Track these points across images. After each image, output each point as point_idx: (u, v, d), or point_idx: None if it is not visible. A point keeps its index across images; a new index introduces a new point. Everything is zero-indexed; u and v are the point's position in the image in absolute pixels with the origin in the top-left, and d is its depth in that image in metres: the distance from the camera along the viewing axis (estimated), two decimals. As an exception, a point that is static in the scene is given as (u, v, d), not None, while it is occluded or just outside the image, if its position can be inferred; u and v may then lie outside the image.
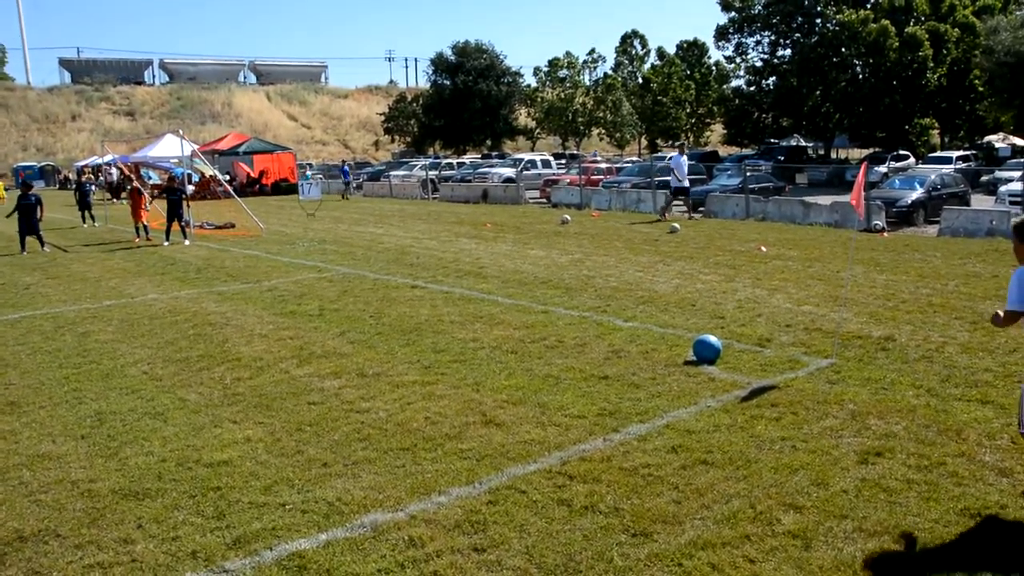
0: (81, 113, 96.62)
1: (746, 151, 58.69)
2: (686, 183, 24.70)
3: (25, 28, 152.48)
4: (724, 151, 61.70)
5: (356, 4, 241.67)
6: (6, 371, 9.10)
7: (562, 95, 74.62)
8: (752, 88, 58.88)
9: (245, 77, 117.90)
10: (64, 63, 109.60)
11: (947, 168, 31.28)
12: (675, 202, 26.81)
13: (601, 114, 72.65)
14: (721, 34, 58.12)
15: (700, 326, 9.86)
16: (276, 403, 7.46)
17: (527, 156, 47.66)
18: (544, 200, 34.19)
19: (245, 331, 10.53)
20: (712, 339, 8.47)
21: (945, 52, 47.24)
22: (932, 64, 46.64)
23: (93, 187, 37.19)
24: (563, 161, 49.88)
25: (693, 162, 28.73)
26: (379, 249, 18.93)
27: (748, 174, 26.94)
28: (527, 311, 11.11)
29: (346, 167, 46.42)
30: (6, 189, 23.01)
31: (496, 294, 12.45)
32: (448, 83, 76.36)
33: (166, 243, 21.73)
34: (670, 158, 28.07)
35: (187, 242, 21.80)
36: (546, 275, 14.19)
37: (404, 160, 60.50)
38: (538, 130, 79.61)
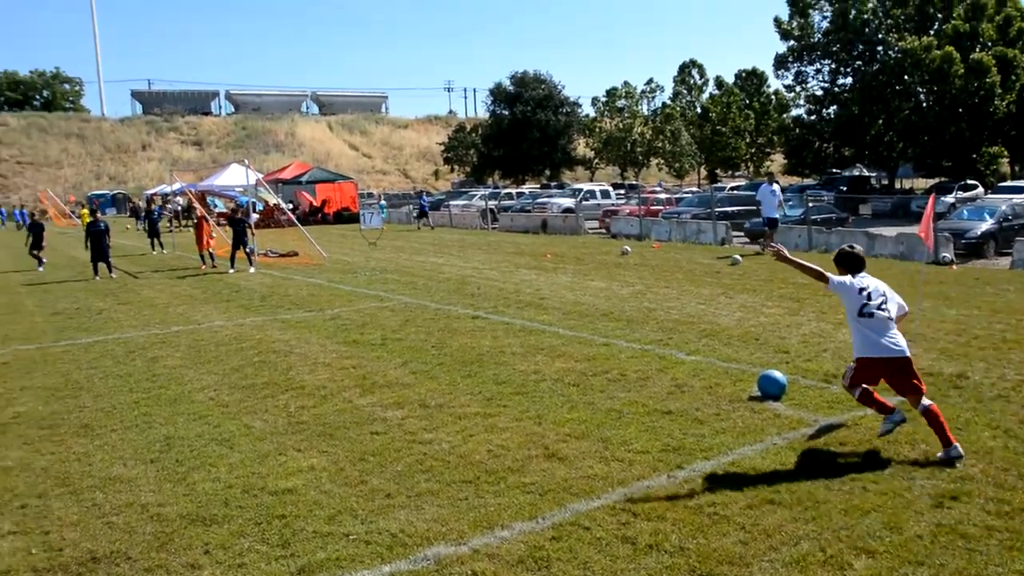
0: (151, 143, 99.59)
1: (807, 181, 57.95)
2: (774, 214, 23.19)
3: (101, 62, 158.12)
4: (785, 181, 60.97)
5: (416, 36, 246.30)
6: (80, 394, 9.36)
7: (620, 125, 74.69)
8: (813, 117, 58.21)
9: (308, 107, 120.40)
10: (136, 95, 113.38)
11: (1018, 198, 30.43)
12: (732, 232, 26.59)
13: (660, 144, 72.50)
14: (780, 63, 57.61)
15: (764, 361, 9.71)
16: (340, 432, 7.53)
17: (586, 186, 47.71)
18: (603, 231, 34.15)
19: (309, 359, 10.67)
20: (777, 374, 8.34)
21: (1014, 78, 46.11)
22: (1000, 91, 45.53)
23: (162, 214, 38.27)
24: (622, 191, 49.81)
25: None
26: (440, 279, 19.06)
27: (810, 205, 26.56)
28: (588, 343, 11.06)
29: (424, 197, 46.62)
30: (92, 212, 23.92)
31: (557, 326, 12.43)
32: (507, 113, 76.96)
33: (231, 271, 22.18)
34: (729, 186, 27.66)
35: (252, 270, 22.24)
36: (607, 307, 14.13)
37: (463, 190, 61.02)
38: (597, 160, 79.70)
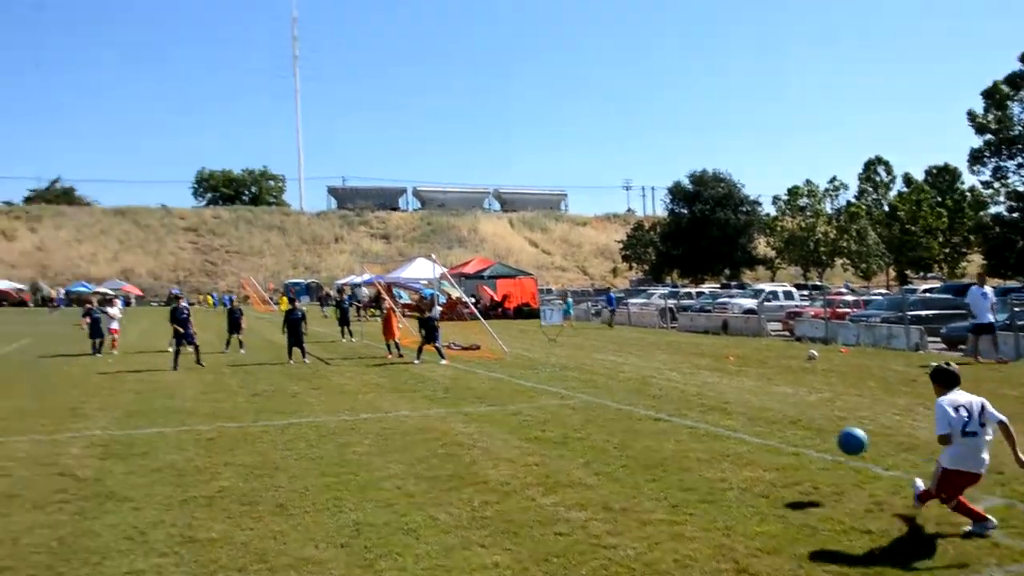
0: (343, 236, 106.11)
1: (1011, 283, 54.15)
2: (987, 319, 21.31)
3: (303, 160, 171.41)
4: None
5: (595, 135, 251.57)
6: (276, 474, 9.84)
7: (803, 224, 72.93)
8: (1015, 215, 54.59)
9: (490, 204, 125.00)
10: (331, 191, 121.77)
11: None
12: (927, 338, 24.99)
13: (845, 243, 70.06)
14: (976, 158, 54.77)
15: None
16: (523, 530, 7.49)
17: (768, 286, 46.54)
18: (787, 333, 33.07)
19: (491, 454, 10.78)
20: (859, 432, 8.65)
21: None
22: None
23: (352, 303, 40.40)
24: (806, 292, 48.23)
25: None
26: (620, 378, 18.92)
27: (1016, 309, 24.64)
28: (776, 452, 10.60)
29: (612, 294, 46.87)
30: (290, 300, 25.79)
31: (743, 432, 12.00)
32: (685, 211, 76.91)
33: (417, 361, 22.92)
34: (922, 288, 26.11)
35: (444, 362, 22.78)
36: (795, 414, 13.54)
37: (642, 288, 60.95)
38: (778, 260, 77.87)
